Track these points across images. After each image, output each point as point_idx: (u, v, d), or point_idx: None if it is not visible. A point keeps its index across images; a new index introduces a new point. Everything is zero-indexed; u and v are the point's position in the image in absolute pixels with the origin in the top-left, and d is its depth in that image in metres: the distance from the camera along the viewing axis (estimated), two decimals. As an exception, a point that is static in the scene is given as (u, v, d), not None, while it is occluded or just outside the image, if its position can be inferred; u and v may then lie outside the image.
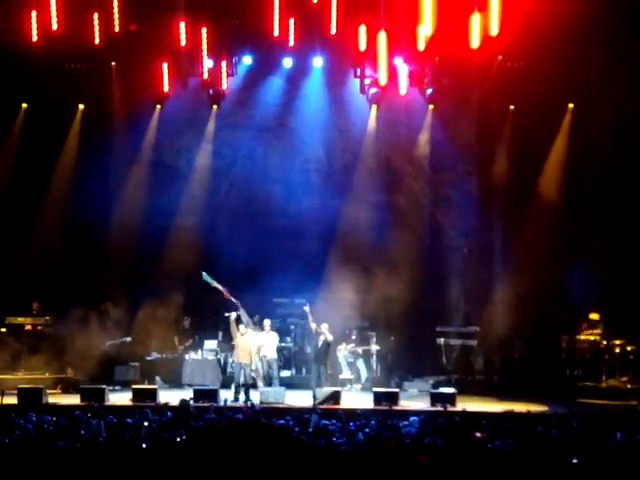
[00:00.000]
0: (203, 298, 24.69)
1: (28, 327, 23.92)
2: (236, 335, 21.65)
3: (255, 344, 21.82)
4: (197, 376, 23.29)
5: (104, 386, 20.90)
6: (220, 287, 21.91)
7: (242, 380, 21.38)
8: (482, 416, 16.82)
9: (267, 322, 22.41)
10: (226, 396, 20.27)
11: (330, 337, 22.01)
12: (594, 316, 22.72)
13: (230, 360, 22.92)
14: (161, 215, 25.26)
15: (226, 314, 22.03)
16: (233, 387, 21.47)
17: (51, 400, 20.41)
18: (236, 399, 20.90)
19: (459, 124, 24.84)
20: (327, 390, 20.68)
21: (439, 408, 18.58)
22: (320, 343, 22.06)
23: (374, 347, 23.71)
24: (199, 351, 23.90)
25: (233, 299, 21.78)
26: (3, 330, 23.77)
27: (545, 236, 23.15)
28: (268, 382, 21.89)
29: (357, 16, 22.62)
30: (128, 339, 23.75)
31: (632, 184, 23.30)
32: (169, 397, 19.58)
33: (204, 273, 22.07)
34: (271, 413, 16.92)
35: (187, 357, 23.68)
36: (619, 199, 23.39)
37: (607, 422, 15.97)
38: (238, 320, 21.71)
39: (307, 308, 22.01)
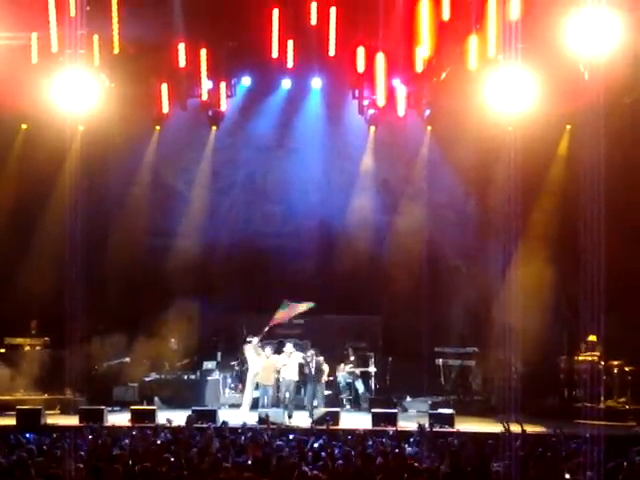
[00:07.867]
0: (204, 318, 24.73)
1: (27, 347, 23.90)
2: (261, 357, 22.02)
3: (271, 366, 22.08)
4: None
5: (103, 407, 20.96)
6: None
7: (265, 402, 21.72)
8: (480, 437, 16.80)
9: (289, 345, 22.44)
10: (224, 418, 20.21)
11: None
12: (592, 338, 22.68)
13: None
14: (160, 236, 25.33)
15: (248, 338, 22.26)
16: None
17: (50, 421, 20.42)
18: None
19: (457, 145, 24.86)
20: (324, 410, 20.67)
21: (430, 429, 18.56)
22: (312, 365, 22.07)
23: (372, 369, 23.67)
24: (198, 372, 23.91)
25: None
26: (2, 351, 23.80)
27: (543, 257, 23.14)
28: (285, 405, 21.82)
29: (355, 38, 22.75)
30: (127, 360, 23.73)
31: (630, 201, 23.29)
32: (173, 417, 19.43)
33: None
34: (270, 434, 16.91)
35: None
36: (617, 219, 23.35)
37: (606, 443, 15.94)
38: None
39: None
